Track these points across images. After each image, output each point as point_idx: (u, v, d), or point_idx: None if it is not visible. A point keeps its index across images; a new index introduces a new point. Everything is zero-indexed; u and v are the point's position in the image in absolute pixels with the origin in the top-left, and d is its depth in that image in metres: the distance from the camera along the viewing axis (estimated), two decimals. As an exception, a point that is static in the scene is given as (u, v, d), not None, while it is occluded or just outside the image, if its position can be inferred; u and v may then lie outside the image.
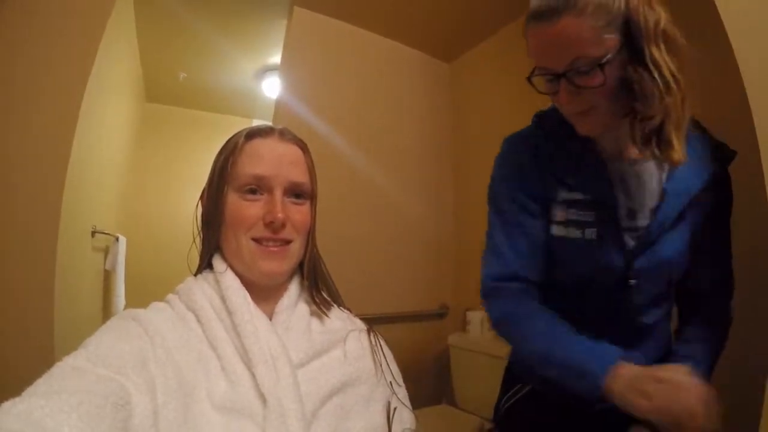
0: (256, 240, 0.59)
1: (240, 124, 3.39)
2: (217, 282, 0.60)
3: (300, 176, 0.63)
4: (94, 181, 1.83)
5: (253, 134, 0.63)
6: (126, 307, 2.22)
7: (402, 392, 0.67)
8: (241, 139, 0.62)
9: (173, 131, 3.14)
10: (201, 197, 0.66)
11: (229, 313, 0.56)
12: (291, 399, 0.51)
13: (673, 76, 0.62)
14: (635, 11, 0.61)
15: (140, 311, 0.56)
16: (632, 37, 0.62)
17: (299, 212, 0.62)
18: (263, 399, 0.51)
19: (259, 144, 0.62)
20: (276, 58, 2.42)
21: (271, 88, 2.71)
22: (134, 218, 2.79)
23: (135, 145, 2.77)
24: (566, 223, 0.75)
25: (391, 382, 0.66)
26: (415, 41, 2.27)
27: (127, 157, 2.58)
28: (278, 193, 0.60)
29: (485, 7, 1.94)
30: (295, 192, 0.63)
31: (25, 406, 0.35)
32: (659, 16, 0.62)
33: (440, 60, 2.41)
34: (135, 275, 2.40)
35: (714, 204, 0.73)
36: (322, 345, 0.61)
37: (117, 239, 2.15)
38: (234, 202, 0.60)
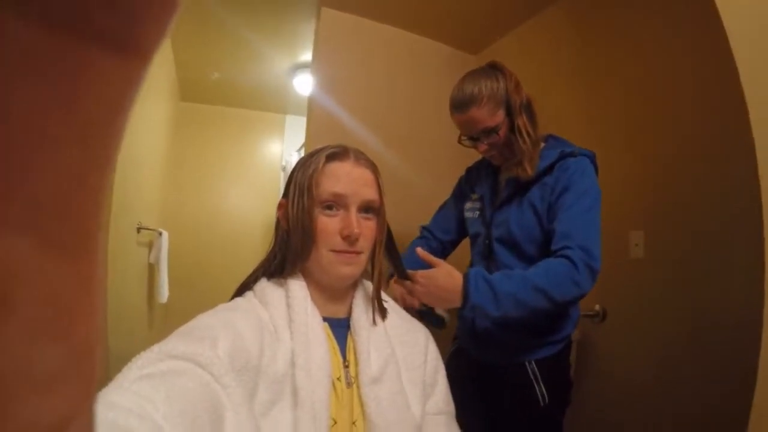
0: (334, 251, 0.68)
1: (273, 121, 3.49)
2: (287, 290, 0.69)
3: (372, 194, 0.71)
4: (137, 179, 1.95)
5: (331, 157, 0.71)
6: (169, 298, 2.36)
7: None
8: (322, 162, 0.69)
9: (207, 129, 3.21)
10: (279, 208, 0.74)
11: (290, 320, 0.66)
12: (324, 405, 0.60)
13: (528, 134, 1.04)
14: (510, 95, 1.04)
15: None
16: (510, 111, 1.05)
17: (368, 227, 0.71)
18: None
19: (337, 167, 0.70)
20: (307, 56, 2.45)
21: (303, 84, 2.72)
22: (174, 213, 2.92)
23: (171, 143, 2.89)
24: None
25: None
26: (440, 35, 2.25)
27: (164, 156, 2.70)
28: (353, 210, 0.69)
29: (510, 0, 1.92)
30: (366, 208, 0.71)
31: None
32: (522, 97, 1.05)
33: (466, 53, 2.39)
34: (176, 267, 2.54)
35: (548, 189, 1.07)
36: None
37: (160, 234, 2.28)
38: (316, 216, 0.69)
